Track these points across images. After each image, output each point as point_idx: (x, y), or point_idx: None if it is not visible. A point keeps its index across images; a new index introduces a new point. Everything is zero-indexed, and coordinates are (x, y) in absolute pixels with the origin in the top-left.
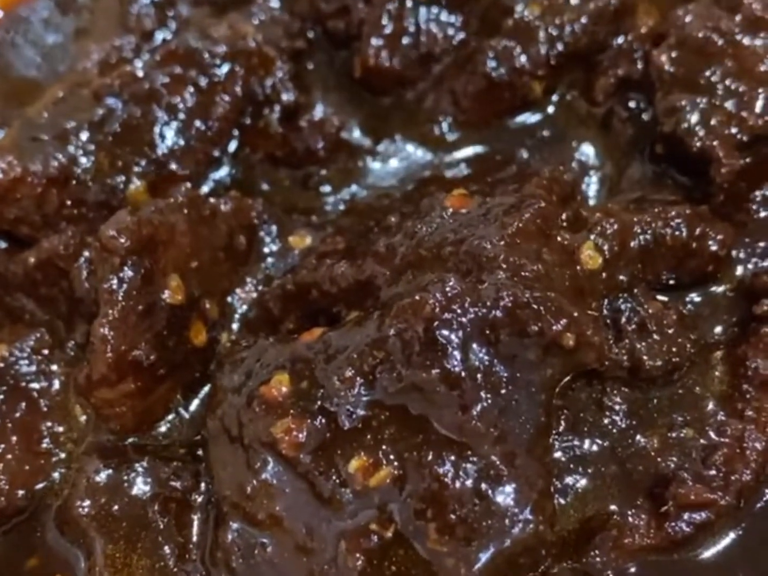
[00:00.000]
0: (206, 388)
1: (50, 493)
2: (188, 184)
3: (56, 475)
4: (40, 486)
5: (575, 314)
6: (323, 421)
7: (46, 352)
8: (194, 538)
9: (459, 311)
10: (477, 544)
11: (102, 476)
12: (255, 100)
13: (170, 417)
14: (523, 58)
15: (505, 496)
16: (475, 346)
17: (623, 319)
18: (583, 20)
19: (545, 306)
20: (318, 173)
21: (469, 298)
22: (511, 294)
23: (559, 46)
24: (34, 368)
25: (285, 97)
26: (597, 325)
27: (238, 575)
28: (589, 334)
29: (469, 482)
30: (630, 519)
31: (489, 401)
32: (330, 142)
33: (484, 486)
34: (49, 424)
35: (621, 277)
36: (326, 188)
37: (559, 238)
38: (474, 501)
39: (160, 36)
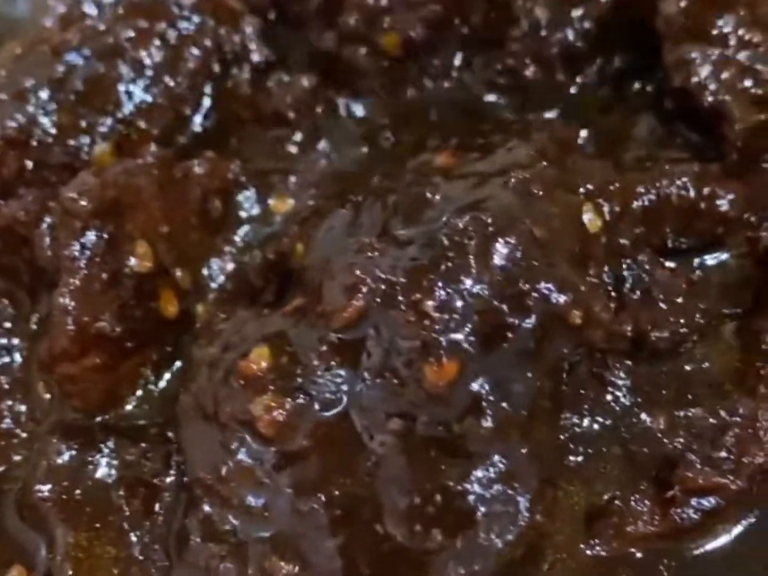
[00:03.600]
0: (178, 364)
1: (10, 477)
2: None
3: (17, 458)
4: None
5: (582, 287)
6: (304, 400)
7: (8, 325)
8: (161, 524)
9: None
10: (474, 532)
11: (64, 458)
12: (223, 57)
13: (140, 394)
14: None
15: (501, 485)
16: (464, 322)
17: (626, 287)
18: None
19: (549, 278)
20: (289, 136)
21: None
22: (510, 262)
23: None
24: None
25: (254, 56)
26: (604, 299)
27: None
28: (596, 310)
29: (463, 473)
30: (633, 505)
31: (483, 386)
32: (299, 105)
33: (480, 474)
34: (9, 402)
35: (623, 241)
36: (302, 150)
37: (561, 199)
38: (471, 489)
39: None
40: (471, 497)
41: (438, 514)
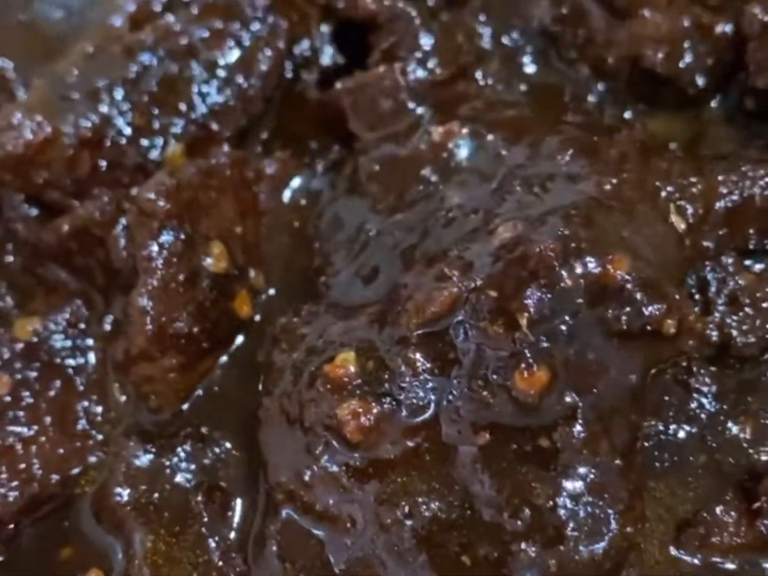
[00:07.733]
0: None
1: (86, 479)
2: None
3: (93, 459)
4: (75, 471)
5: (676, 296)
6: (391, 406)
7: (82, 325)
8: (237, 530)
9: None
10: (565, 548)
11: (142, 461)
12: (295, 60)
13: (208, 396)
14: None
15: (591, 497)
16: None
17: (711, 291)
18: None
19: (642, 286)
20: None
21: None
22: (602, 272)
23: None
24: (69, 343)
25: (324, 59)
26: (695, 306)
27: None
28: (691, 319)
29: (554, 489)
30: (719, 516)
31: (575, 394)
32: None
33: (570, 487)
34: (85, 404)
35: (706, 244)
36: None
37: (648, 205)
38: (561, 504)
39: None
40: (561, 512)
41: (527, 531)
